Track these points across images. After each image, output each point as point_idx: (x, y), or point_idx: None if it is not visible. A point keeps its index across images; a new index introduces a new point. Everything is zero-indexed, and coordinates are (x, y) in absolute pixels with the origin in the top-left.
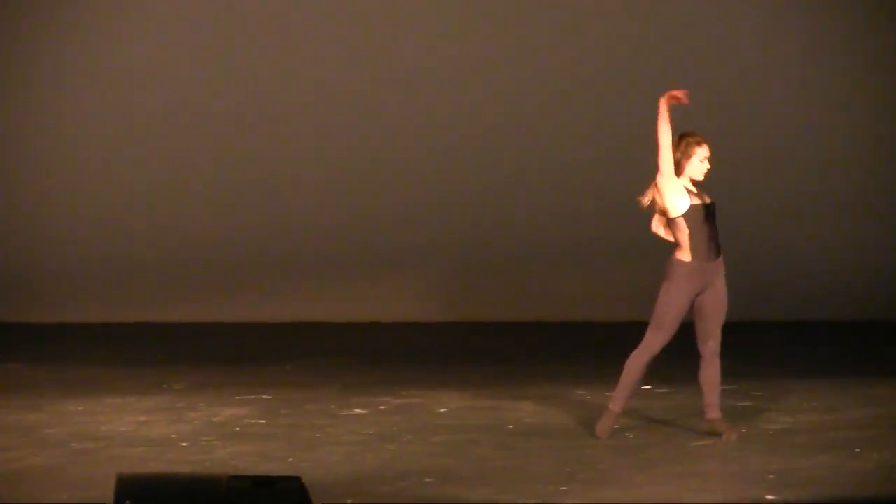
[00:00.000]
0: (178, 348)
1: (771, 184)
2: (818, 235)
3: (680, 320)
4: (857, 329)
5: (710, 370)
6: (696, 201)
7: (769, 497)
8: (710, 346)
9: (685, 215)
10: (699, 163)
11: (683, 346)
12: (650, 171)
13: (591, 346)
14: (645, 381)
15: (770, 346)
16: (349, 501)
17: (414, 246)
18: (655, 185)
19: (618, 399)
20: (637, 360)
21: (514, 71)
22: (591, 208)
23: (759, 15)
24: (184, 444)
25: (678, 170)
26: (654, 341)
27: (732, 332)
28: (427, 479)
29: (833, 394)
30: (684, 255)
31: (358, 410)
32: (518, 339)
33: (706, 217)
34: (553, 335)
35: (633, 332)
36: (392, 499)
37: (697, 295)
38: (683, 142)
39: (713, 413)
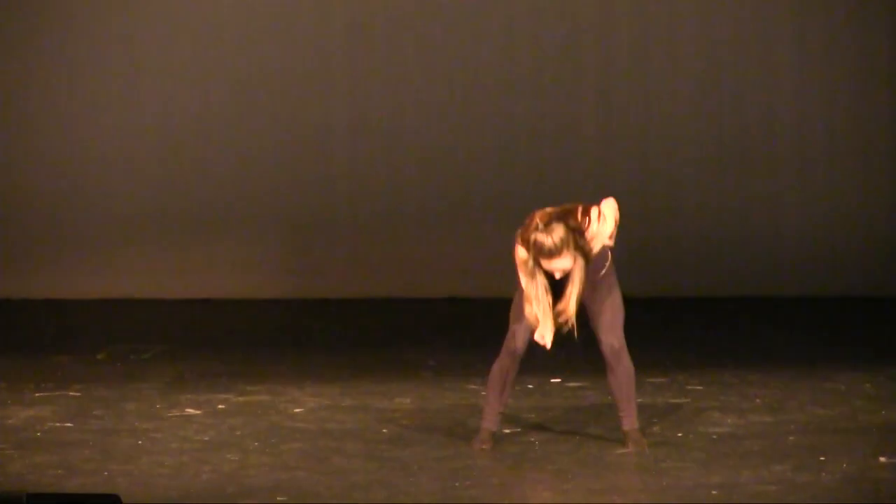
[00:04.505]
0: None
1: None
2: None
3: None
4: (813, 305)
5: (611, 375)
6: None
7: None
8: (603, 348)
9: None
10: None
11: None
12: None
13: (488, 327)
14: (553, 372)
15: (709, 326)
16: None
17: (250, 211)
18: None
19: (487, 414)
20: (496, 365)
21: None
22: (454, 169)
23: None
24: None
25: None
26: (508, 336)
27: (663, 308)
28: (278, 498)
29: (786, 386)
30: None
31: (190, 411)
32: (390, 318)
33: None
34: (437, 312)
35: None
36: None
37: None
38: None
39: (625, 424)
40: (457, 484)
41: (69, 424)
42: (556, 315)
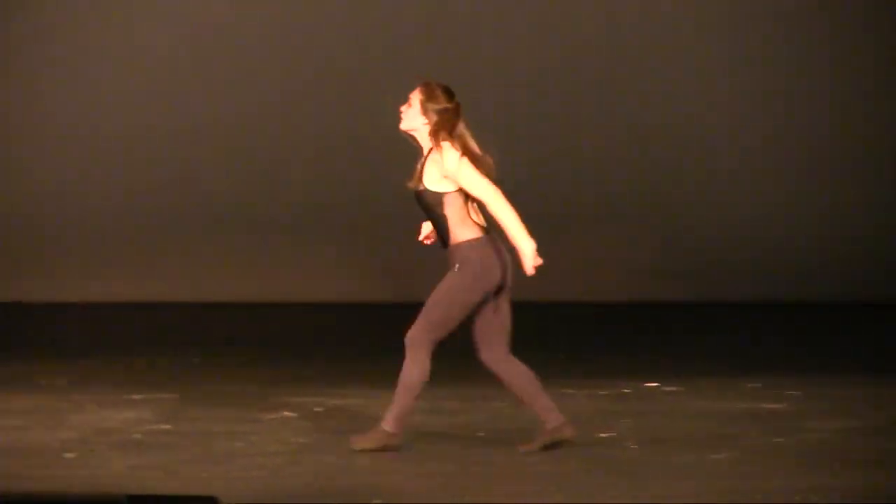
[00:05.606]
0: (52, 333)
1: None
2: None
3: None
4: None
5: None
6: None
7: None
8: None
9: None
10: None
11: (677, 335)
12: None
13: (584, 330)
14: (638, 377)
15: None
16: None
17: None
18: None
19: (389, 418)
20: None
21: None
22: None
23: None
24: (69, 456)
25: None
26: None
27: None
28: (374, 501)
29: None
30: None
31: (286, 413)
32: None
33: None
34: (543, 315)
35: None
36: None
37: None
38: None
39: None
40: (554, 488)
41: (167, 426)
42: None
